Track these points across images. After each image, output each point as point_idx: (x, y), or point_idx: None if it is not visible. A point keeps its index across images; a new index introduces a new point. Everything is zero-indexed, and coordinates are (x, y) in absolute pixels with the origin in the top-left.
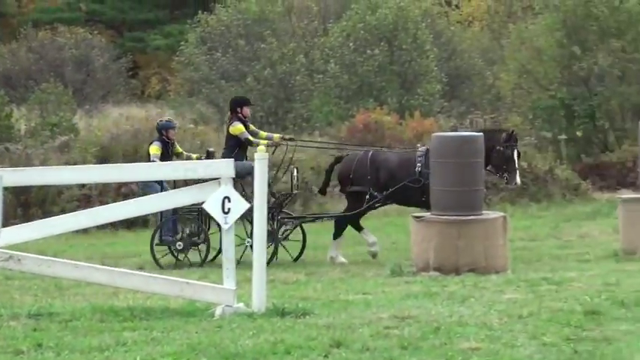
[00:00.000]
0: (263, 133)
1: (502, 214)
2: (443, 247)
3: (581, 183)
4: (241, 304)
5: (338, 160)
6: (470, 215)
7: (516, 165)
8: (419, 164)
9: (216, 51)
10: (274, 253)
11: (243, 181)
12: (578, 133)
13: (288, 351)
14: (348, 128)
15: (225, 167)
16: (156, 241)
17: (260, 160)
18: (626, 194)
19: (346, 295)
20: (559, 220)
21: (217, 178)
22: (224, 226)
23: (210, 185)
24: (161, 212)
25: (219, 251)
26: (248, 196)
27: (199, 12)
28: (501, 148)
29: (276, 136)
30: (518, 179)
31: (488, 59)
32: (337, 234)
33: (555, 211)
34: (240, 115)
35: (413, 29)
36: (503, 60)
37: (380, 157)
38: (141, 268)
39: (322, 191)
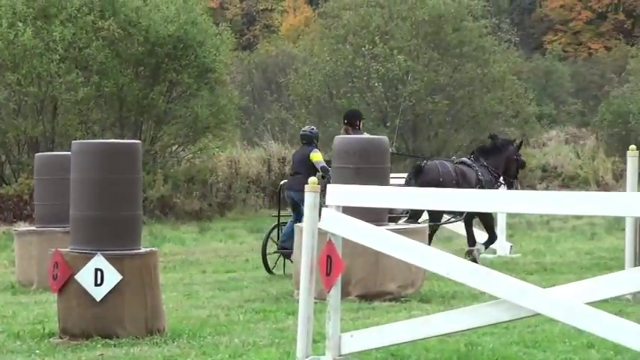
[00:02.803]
0: None
1: None
2: None
3: None
4: None
5: (418, 169)
6: None
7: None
8: (479, 172)
9: None
10: None
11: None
12: None
13: None
14: None
15: None
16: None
17: None
18: (22, 227)
19: None
20: None
21: None
22: None
23: None
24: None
25: None
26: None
27: None
28: (518, 158)
29: None
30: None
31: None
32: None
33: None
34: (357, 127)
35: None
36: None
37: (456, 166)
38: None
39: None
